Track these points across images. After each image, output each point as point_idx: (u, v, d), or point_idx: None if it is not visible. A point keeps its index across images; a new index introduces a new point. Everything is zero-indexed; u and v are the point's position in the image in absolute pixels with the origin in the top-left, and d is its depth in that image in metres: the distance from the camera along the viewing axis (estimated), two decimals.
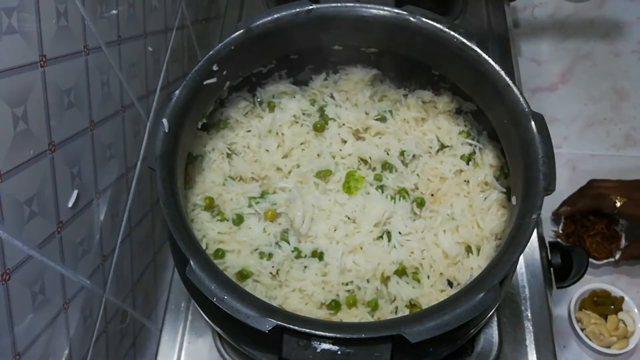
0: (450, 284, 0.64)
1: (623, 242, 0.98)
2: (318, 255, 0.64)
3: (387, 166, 0.71)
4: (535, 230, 0.58)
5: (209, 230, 0.67)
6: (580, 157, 1.12)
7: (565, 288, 0.83)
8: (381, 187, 0.70)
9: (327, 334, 0.48)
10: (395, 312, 0.62)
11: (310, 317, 0.53)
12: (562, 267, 0.78)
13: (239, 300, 0.50)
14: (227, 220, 0.68)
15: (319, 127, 0.74)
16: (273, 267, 0.64)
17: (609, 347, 0.92)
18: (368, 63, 0.77)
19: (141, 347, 0.82)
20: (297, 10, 0.66)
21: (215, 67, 0.65)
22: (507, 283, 0.59)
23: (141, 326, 0.81)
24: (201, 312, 0.59)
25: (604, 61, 1.22)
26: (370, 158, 0.72)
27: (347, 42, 0.73)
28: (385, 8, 0.65)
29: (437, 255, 0.64)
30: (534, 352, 0.67)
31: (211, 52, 0.64)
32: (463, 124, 0.74)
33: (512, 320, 0.69)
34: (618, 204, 0.92)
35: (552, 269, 0.78)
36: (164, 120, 0.60)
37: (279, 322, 0.48)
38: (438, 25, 0.64)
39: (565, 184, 1.06)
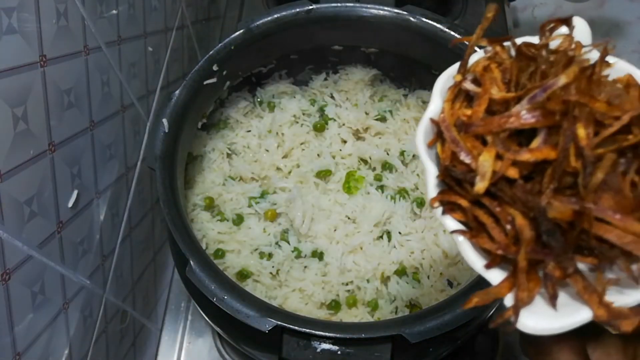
0: (450, 284, 0.64)
1: None
2: (318, 255, 0.64)
3: (387, 166, 0.71)
4: None
5: (209, 230, 0.67)
6: None
7: None
8: (381, 187, 0.70)
9: (327, 334, 0.48)
10: (395, 312, 0.62)
11: (310, 317, 0.53)
12: None
13: (239, 300, 0.50)
14: (227, 220, 0.68)
15: (319, 127, 0.74)
16: (273, 267, 0.64)
17: None
18: (368, 63, 0.77)
19: (141, 347, 0.82)
20: (297, 10, 0.66)
21: (215, 67, 0.65)
22: None
23: (141, 326, 0.81)
24: (201, 312, 0.59)
25: None
26: (370, 158, 0.72)
27: (347, 42, 0.73)
28: (385, 8, 0.65)
29: (437, 255, 0.64)
30: None
31: (211, 52, 0.64)
32: None
33: None
34: None
35: None
36: (164, 120, 0.60)
37: (279, 322, 0.48)
38: (438, 25, 0.64)
39: None
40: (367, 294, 0.62)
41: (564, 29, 0.30)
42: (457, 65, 0.30)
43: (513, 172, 0.25)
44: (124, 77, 0.67)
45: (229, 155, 0.74)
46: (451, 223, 0.27)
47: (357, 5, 0.66)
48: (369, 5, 0.66)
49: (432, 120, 0.28)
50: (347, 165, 0.72)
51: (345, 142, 0.74)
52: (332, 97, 0.78)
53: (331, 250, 0.65)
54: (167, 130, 0.60)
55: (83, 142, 0.58)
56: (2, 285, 0.45)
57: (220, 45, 0.65)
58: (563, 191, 0.25)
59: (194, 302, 0.61)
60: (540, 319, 0.24)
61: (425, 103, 0.76)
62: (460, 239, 0.26)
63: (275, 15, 0.66)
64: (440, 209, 0.27)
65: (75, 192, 0.57)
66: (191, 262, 0.52)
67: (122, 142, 0.69)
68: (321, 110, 0.76)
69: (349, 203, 0.68)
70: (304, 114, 0.76)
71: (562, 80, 0.25)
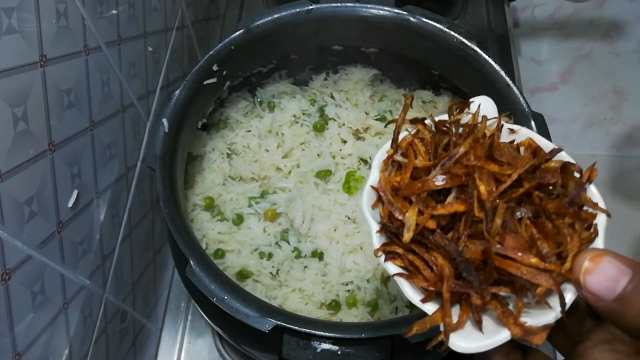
0: None
1: None
2: (318, 255, 0.64)
3: None
4: None
5: (209, 230, 0.67)
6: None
7: None
8: None
9: (327, 334, 0.48)
10: (395, 312, 0.62)
11: (310, 317, 0.53)
12: None
13: (239, 300, 0.50)
14: (227, 220, 0.68)
15: (319, 127, 0.74)
16: (273, 267, 0.64)
17: None
18: (368, 63, 0.77)
19: (141, 347, 0.82)
20: (297, 10, 0.66)
21: (215, 67, 0.65)
22: None
23: (141, 326, 0.81)
24: (201, 312, 0.59)
25: (604, 61, 1.22)
26: (370, 158, 0.72)
27: (347, 42, 0.73)
28: (385, 8, 0.65)
29: None
30: None
31: (211, 52, 0.64)
32: None
33: None
34: None
35: None
36: (164, 120, 0.60)
37: (279, 322, 0.48)
38: (438, 25, 0.64)
39: None
40: (367, 294, 0.62)
41: (474, 106, 0.36)
42: (389, 142, 0.36)
43: (431, 224, 0.31)
44: (124, 77, 0.67)
45: (229, 155, 0.74)
46: (392, 268, 0.32)
47: (357, 5, 0.66)
48: (369, 5, 0.66)
49: (373, 187, 0.34)
50: (347, 165, 0.72)
51: (345, 142, 0.74)
52: (332, 97, 0.78)
53: (331, 250, 0.65)
54: (167, 130, 0.60)
55: (83, 142, 0.59)
56: (2, 285, 0.45)
57: (220, 45, 0.65)
58: (479, 236, 0.30)
59: (194, 302, 0.60)
60: (468, 340, 0.29)
61: (425, 103, 0.76)
62: (400, 280, 0.31)
63: (275, 15, 0.66)
64: (383, 257, 0.33)
65: (75, 192, 0.57)
66: (191, 262, 0.52)
67: (122, 142, 0.69)
68: (321, 110, 0.76)
69: (349, 203, 0.68)
70: (304, 114, 0.76)
71: (461, 149, 0.31)
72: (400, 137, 0.36)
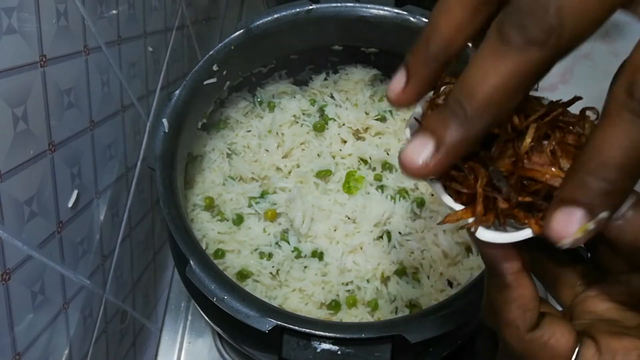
0: (450, 284, 0.64)
1: None
2: (318, 255, 0.64)
3: (387, 166, 0.71)
4: None
5: (209, 230, 0.67)
6: None
7: None
8: (381, 187, 0.70)
9: (327, 334, 0.48)
10: (395, 312, 0.62)
11: (310, 317, 0.53)
12: None
13: (239, 300, 0.50)
14: (227, 220, 0.68)
15: (319, 127, 0.74)
16: (273, 267, 0.64)
17: None
18: (368, 63, 0.77)
19: (141, 347, 0.82)
20: (297, 10, 0.66)
21: (215, 67, 0.65)
22: None
23: (141, 326, 0.81)
24: (201, 312, 0.59)
25: (604, 61, 1.22)
26: (370, 158, 0.72)
27: (347, 42, 0.73)
28: (385, 8, 0.65)
29: (437, 255, 0.64)
30: None
31: (211, 52, 0.64)
32: None
33: None
34: None
35: None
36: (164, 120, 0.60)
37: (279, 322, 0.48)
38: None
39: None
40: (367, 294, 0.62)
41: None
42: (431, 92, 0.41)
43: None
44: (124, 77, 0.67)
45: (229, 155, 0.74)
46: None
47: (357, 5, 0.66)
48: (369, 5, 0.66)
49: (415, 119, 0.39)
50: (347, 165, 0.72)
51: (345, 142, 0.74)
52: (332, 97, 0.78)
53: (331, 250, 0.65)
54: (167, 130, 0.60)
55: (83, 142, 0.59)
56: (2, 285, 0.45)
57: (220, 45, 0.65)
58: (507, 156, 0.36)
59: (194, 302, 0.61)
60: (493, 233, 0.33)
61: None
62: (436, 184, 0.36)
63: (275, 15, 0.66)
64: None
65: (75, 192, 0.57)
66: (191, 262, 0.52)
67: (122, 142, 0.69)
68: (321, 110, 0.76)
69: (349, 203, 0.68)
70: (304, 114, 0.76)
71: None
72: (441, 89, 0.42)
